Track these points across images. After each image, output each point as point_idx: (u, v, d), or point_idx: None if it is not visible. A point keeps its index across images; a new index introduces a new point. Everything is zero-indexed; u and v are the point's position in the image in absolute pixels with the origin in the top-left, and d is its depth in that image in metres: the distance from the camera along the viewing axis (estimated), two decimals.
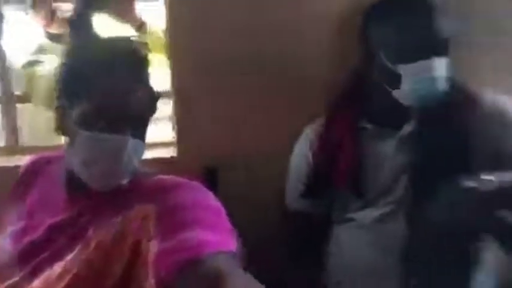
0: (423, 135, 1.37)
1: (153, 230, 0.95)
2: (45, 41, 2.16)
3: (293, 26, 1.57)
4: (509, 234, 1.14)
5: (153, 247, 0.93)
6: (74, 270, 0.98)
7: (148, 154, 1.13)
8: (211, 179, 1.58)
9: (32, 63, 2.06)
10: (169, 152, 1.66)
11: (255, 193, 1.60)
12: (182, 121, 1.62)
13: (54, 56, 1.94)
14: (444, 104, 1.32)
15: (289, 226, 1.54)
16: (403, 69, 1.31)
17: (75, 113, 1.00)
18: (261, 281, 0.87)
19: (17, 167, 1.25)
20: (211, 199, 1.01)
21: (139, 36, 1.99)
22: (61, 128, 1.05)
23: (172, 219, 0.94)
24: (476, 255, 1.22)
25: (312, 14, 1.57)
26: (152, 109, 1.05)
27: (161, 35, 1.97)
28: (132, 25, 2.03)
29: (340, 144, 1.42)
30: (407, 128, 1.40)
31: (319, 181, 1.45)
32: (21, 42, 2.11)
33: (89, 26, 1.43)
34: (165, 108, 1.53)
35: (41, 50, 2.12)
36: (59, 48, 1.80)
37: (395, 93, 1.34)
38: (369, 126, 1.43)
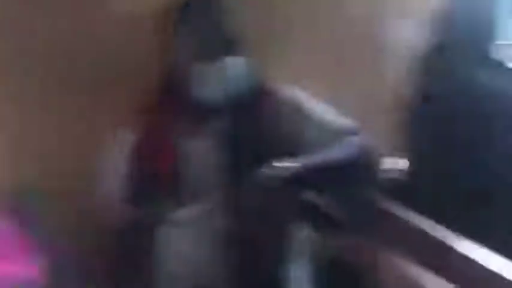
0: (229, 131, 1.43)
1: None
2: None
3: (100, 28, 1.53)
4: (316, 214, 1.33)
5: None
6: None
7: None
8: None
9: None
10: None
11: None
12: None
13: None
14: (244, 101, 1.41)
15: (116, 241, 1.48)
16: (200, 70, 1.39)
17: None
18: None
19: None
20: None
21: None
22: None
23: None
24: (290, 238, 1.35)
25: (118, 16, 1.54)
26: None
27: None
28: None
29: (155, 145, 1.44)
30: (216, 125, 1.44)
31: (138, 185, 1.44)
32: None
33: None
34: None
35: None
36: None
37: (198, 92, 1.40)
38: (182, 126, 1.46)
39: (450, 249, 1.23)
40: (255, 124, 1.46)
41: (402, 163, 1.88)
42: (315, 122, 1.43)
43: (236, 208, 1.40)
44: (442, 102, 1.78)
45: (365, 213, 1.48)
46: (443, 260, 1.24)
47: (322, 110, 1.48)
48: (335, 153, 1.36)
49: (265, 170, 1.32)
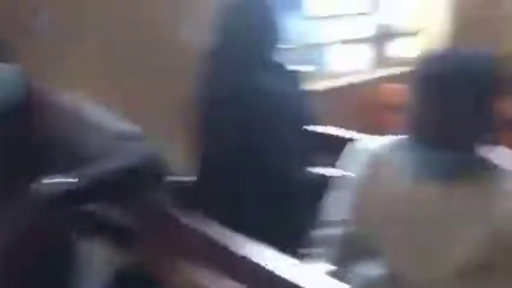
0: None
1: None
2: None
3: None
4: (103, 226, 1.31)
5: None
6: None
7: None
8: None
9: None
10: None
11: None
12: None
13: None
14: (12, 110, 1.32)
15: None
16: None
17: None
18: None
19: None
20: None
21: None
22: None
23: None
24: (75, 252, 1.31)
25: None
26: None
27: None
28: None
29: None
30: None
31: None
32: None
33: None
34: None
35: None
36: None
37: None
38: None
39: (239, 254, 1.21)
40: (25, 134, 1.31)
41: (190, 168, 1.84)
42: (93, 129, 1.31)
43: (12, 223, 1.25)
44: (225, 105, 1.78)
45: (154, 221, 1.41)
46: (234, 265, 1.22)
47: (101, 115, 1.37)
48: (116, 161, 1.25)
49: (36, 186, 1.16)
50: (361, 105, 2.97)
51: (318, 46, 3.38)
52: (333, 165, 1.50)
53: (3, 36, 1.33)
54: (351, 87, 3.14)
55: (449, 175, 1.17)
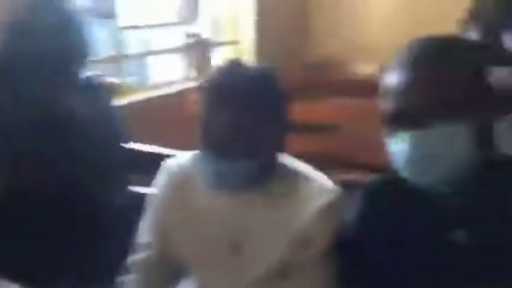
0: None
1: None
2: None
3: None
4: None
5: None
6: None
7: None
8: None
9: None
10: None
11: None
12: None
13: None
14: None
15: None
16: None
17: None
18: None
19: None
20: None
21: None
22: None
23: None
24: None
25: None
26: None
27: None
28: None
29: None
30: None
31: None
32: None
33: None
34: None
35: None
36: None
37: None
38: None
39: None
40: None
41: None
42: None
43: None
44: (23, 134, 1.60)
45: None
46: None
47: None
48: None
49: None
50: (178, 118, 2.97)
51: (134, 57, 3.31)
52: (149, 185, 1.45)
53: None
54: (168, 98, 3.12)
55: (247, 184, 1.19)
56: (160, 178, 1.34)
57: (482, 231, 0.99)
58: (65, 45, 1.66)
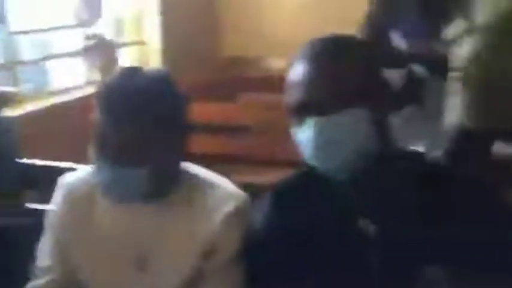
0: None
1: None
2: None
3: None
4: None
5: None
6: None
7: None
8: None
9: None
10: None
11: None
12: None
13: None
14: None
15: None
16: None
17: None
18: None
19: None
20: None
21: None
22: None
23: None
24: None
25: None
26: None
27: None
28: None
29: None
30: None
31: None
32: None
33: None
34: None
35: None
36: None
37: None
38: None
39: None
40: None
41: None
42: None
43: None
44: None
45: None
46: None
47: None
48: None
49: None
50: (80, 126, 2.81)
51: (30, 63, 3.11)
52: (48, 202, 1.36)
53: None
54: (69, 105, 2.95)
55: (148, 195, 1.16)
56: (57, 194, 1.29)
57: (383, 221, 1.05)
58: None
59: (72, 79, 3.29)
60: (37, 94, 3.00)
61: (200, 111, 3.07)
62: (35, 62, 3.16)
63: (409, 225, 1.02)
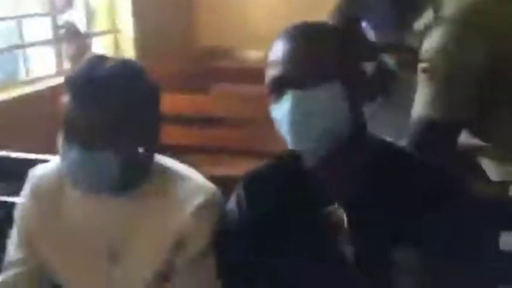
0: None
1: None
2: None
3: None
4: None
5: None
6: None
7: None
8: None
9: None
10: None
11: None
12: None
13: None
14: None
15: None
16: None
17: None
18: None
19: None
20: None
21: None
22: None
23: None
24: None
25: None
26: None
27: None
28: None
29: None
30: None
31: None
32: None
33: None
34: None
35: None
36: None
37: None
38: None
39: None
40: None
41: None
42: None
43: None
44: None
45: None
46: None
47: None
48: None
49: None
50: (50, 116, 2.77)
51: (1, 51, 3.05)
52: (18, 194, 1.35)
53: None
54: (39, 95, 2.90)
55: (117, 186, 1.16)
56: (26, 187, 1.28)
57: (351, 207, 1.08)
58: None
59: (43, 68, 3.24)
60: (7, 84, 2.95)
61: (173, 101, 3.08)
62: (4, 51, 3.10)
63: (377, 211, 1.06)
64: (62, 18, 3.28)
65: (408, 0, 1.53)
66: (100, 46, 3.55)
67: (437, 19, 1.47)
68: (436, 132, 1.45)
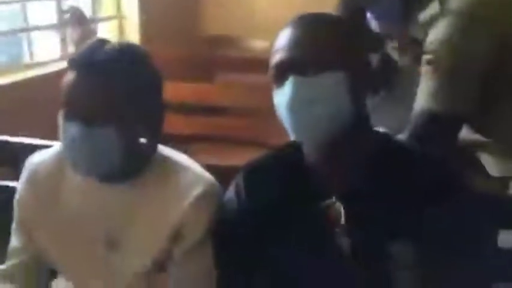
0: None
1: None
2: None
3: None
4: None
5: None
6: None
7: None
8: None
9: None
10: None
11: None
12: None
13: None
14: None
15: None
16: None
17: None
18: None
19: None
20: None
21: None
22: None
23: None
24: None
25: None
26: None
27: None
28: None
29: None
30: None
31: None
32: None
33: None
34: None
35: None
36: None
37: None
38: None
39: None
40: None
41: None
42: None
43: None
44: None
45: None
46: None
47: None
48: None
49: None
50: (54, 101, 2.77)
51: (3, 34, 3.04)
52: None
53: None
54: (43, 79, 2.90)
55: (119, 172, 1.17)
56: (23, 174, 1.28)
57: (349, 199, 1.08)
58: None
59: (48, 53, 3.23)
60: (10, 67, 2.94)
61: (177, 89, 3.07)
62: (9, 34, 3.09)
63: (375, 205, 1.06)
64: (67, 3, 3.26)
65: None
66: (105, 32, 3.53)
67: (443, 11, 1.46)
68: (438, 125, 1.44)
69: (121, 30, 3.59)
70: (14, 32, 3.10)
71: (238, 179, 1.19)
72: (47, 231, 1.24)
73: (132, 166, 1.18)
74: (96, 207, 1.20)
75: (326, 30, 1.08)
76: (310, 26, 1.08)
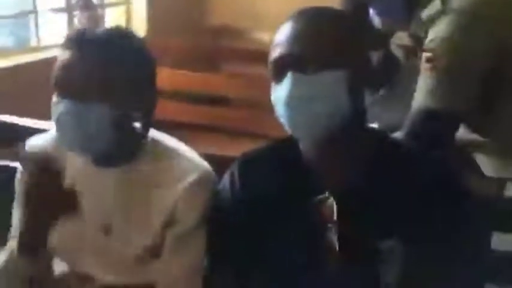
0: None
1: None
2: None
3: None
4: None
5: None
6: None
7: None
8: None
9: None
10: None
11: None
12: None
13: None
14: None
15: None
16: None
17: None
18: None
19: None
20: None
21: None
22: None
23: None
24: None
25: None
26: None
27: None
28: None
29: None
30: None
31: None
32: None
33: None
34: None
35: None
36: None
37: None
38: None
39: None
40: None
41: None
42: None
43: None
44: None
45: None
46: None
47: None
48: None
49: None
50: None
51: (11, 17, 3.05)
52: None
53: None
54: (49, 62, 2.89)
55: (112, 154, 1.19)
56: (21, 159, 1.26)
57: (343, 195, 1.08)
58: None
59: (55, 36, 3.24)
60: (18, 49, 2.95)
61: (181, 78, 3.07)
62: (17, 16, 3.10)
63: (368, 202, 1.06)
64: None
65: None
66: (112, 18, 3.53)
67: (445, 9, 1.46)
68: (435, 123, 1.44)
69: (128, 16, 3.60)
70: (22, 14, 3.11)
71: (234, 168, 1.20)
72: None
73: (125, 149, 1.19)
74: (92, 191, 1.21)
75: (327, 26, 1.06)
76: (311, 21, 1.07)
